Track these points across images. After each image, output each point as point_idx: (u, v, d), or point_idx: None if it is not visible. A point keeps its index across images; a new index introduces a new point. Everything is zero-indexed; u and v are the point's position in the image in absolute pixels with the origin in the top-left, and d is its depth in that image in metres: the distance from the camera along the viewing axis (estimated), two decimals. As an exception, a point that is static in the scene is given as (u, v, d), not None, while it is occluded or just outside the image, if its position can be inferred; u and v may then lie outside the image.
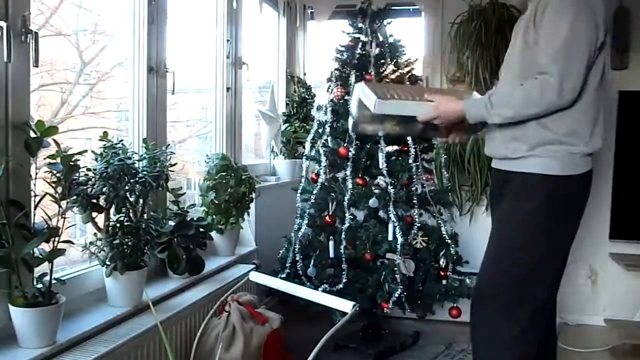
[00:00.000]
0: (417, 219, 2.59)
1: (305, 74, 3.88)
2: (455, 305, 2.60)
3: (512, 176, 1.80)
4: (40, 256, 1.48)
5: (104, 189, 1.68)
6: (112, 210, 1.75)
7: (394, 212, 2.53)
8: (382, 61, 2.75)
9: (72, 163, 1.53)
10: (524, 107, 1.67)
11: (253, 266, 2.52)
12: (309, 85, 3.73)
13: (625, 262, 3.13)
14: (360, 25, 2.77)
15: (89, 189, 1.65)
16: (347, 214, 2.57)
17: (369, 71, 2.69)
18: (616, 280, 3.22)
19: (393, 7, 3.42)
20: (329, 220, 2.63)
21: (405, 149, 2.66)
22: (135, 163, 1.80)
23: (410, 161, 2.62)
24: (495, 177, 1.95)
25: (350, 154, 2.61)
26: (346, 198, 2.56)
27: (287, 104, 3.61)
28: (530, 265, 1.77)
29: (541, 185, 1.74)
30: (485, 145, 1.96)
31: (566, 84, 1.61)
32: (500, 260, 1.82)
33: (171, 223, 2.11)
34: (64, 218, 1.52)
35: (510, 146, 1.78)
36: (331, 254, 2.59)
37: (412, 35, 3.65)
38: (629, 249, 3.19)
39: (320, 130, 2.77)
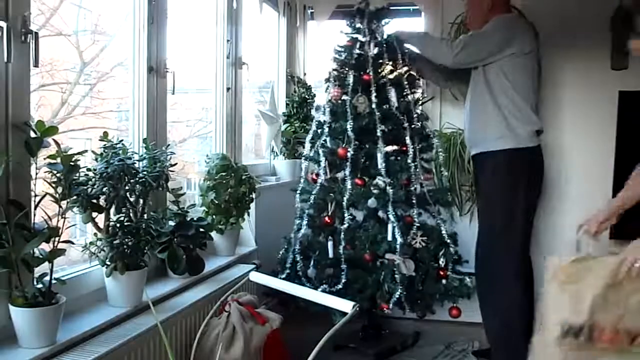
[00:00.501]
0: (416, 219, 2.59)
1: (305, 74, 3.88)
2: (455, 305, 2.61)
3: None
4: (40, 256, 1.48)
5: (104, 189, 1.68)
6: (112, 210, 1.75)
7: (393, 212, 2.53)
8: (380, 61, 2.75)
9: (72, 163, 1.53)
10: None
11: (253, 266, 2.52)
12: (309, 85, 3.73)
13: (625, 262, 3.12)
14: (358, 25, 2.77)
15: (89, 189, 1.64)
16: (346, 215, 2.57)
17: (367, 71, 2.69)
18: (616, 280, 3.21)
19: (393, 7, 3.42)
20: (328, 221, 2.63)
21: (404, 148, 2.66)
22: (135, 163, 1.80)
23: (409, 161, 2.63)
24: None
25: (349, 154, 2.61)
26: (345, 198, 2.56)
27: (287, 104, 3.61)
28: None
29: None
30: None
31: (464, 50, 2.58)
32: None
33: (171, 223, 2.11)
34: (64, 218, 1.52)
35: None
36: (330, 255, 2.59)
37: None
38: (629, 249, 3.18)
39: (319, 131, 2.77)
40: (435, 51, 2.73)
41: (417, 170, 2.67)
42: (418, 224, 2.59)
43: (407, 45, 2.81)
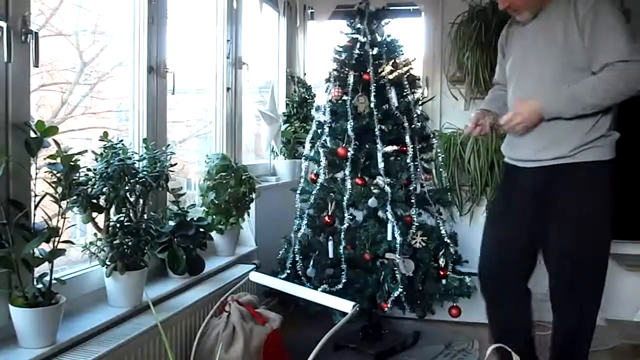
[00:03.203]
0: (416, 219, 2.59)
1: (305, 74, 3.88)
2: (455, 304, 2.60)
3: (569, 168, 2.02)
4: (40, 256, 1.48)
5: (104, 189, 1.68)
6: (112, 210, 1.75)
7: (393, 212, 2.53)
8: (380, 61, 2.75)
9: (72, 163, 1.53)
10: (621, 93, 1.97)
11: (253, 266, 2.52)
12: (309, 86, 3.73)
13: (626, 262, 3.13)
14: (358, 25, 2.77)
15: (89, 189, 1.65)
16: (346, 214, 2.57)
17: (367, 71, 2.69)
18: (616, 280, 3.22)
19: (393, 7, 3.43)
20: (328, 221, 2.63)
21: (404, 149, 2.66)
22: (135, 163, 1.80)
23: (409, 161, 2.63)
24: (536, 177, 2.09)
25: (349, 154, 2.61)
26: (345, 198, 2.56)
27: (287, 104, 3.61)
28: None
29: (605, 171, 2.05)
30: (517, 148, 2.14)
31: None
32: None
33: (171, 223, 2.11)
34: (64, 218, 1.52)
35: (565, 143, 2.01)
36: (330, 255, 2.59)
37: (412, 36, 3.65)
38: (629, 249, 3.19)
39: (319, 131, 2.77)
40: (627, 84, 1.96)
41: (418, 170, 2.67)
42: (417, 224, 2.58)
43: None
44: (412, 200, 2.60)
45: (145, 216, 1.87)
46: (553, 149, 2.03)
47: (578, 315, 2.12)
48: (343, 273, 2.53)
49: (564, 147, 2.02)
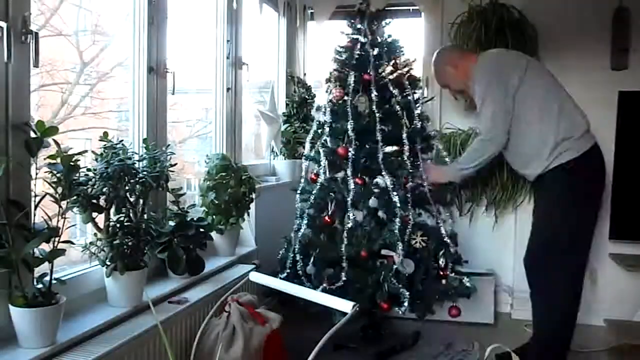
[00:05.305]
0: (416, 219, 2.59)
1: (305, 74, 3.88)
2: (454, 304, 2.60)
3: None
4: (40, 256, 1.48)
5: (104, 189, 1.68)
6: (112, 210, 1.75)
7: (393, 212, 2.53)
8: (381, 62, 2.75)
9: (72, 163, 1.53)
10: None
11: (253, 266, 2.52)
12: (309, 86, 3.73)
13: (625, 262, 3.13)
14: (358, 26, 2.77)
15: (89, 189, 1.65)
16: (350, 215, 2.56)
17: (368, 71, 2.69)
18: (616, 280, 3.22)
19: (393, 8, 3.43)
20: (328, 221, 2.63)
21: (404, 149, 2.66)
22: (135, 163, 1.80)
23: (409, 161, 2.62)
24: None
25: (349, 154, 2.60)
26: (349, 198, 2.56)
27: (287, 104, 3.61)
28: None
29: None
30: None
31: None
32: None
33: (171, 223, 2.11)
34: (64, 218, 1.52)
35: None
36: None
37: (412, 36, 3.65)
38: (629, 249, 3.19)
39: (319, 131, 2.77)
40: (478, 156, 2.58)
41: (420, 170, 2.67)
42: (414, 223, 2.58)
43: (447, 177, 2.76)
44: (413, 200, 2.60)
45: (145, 216, 1.87)
46: None
47: None
48: (343, 272, 2.53)
49: None
